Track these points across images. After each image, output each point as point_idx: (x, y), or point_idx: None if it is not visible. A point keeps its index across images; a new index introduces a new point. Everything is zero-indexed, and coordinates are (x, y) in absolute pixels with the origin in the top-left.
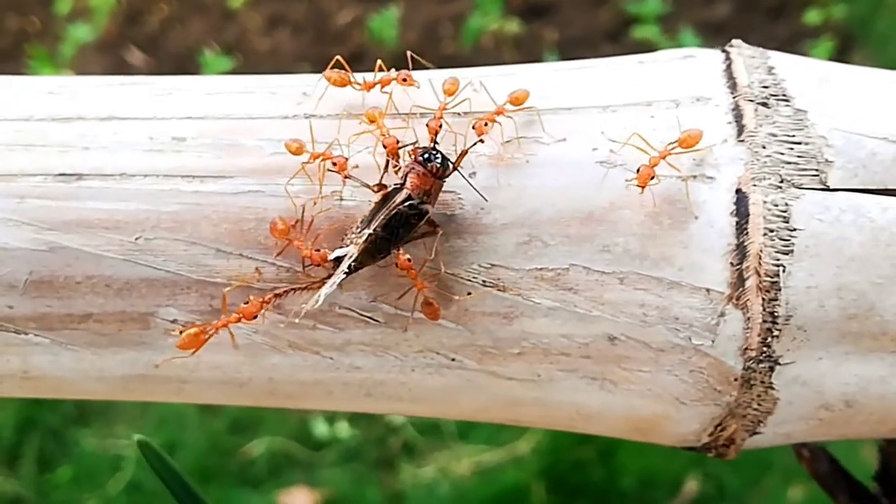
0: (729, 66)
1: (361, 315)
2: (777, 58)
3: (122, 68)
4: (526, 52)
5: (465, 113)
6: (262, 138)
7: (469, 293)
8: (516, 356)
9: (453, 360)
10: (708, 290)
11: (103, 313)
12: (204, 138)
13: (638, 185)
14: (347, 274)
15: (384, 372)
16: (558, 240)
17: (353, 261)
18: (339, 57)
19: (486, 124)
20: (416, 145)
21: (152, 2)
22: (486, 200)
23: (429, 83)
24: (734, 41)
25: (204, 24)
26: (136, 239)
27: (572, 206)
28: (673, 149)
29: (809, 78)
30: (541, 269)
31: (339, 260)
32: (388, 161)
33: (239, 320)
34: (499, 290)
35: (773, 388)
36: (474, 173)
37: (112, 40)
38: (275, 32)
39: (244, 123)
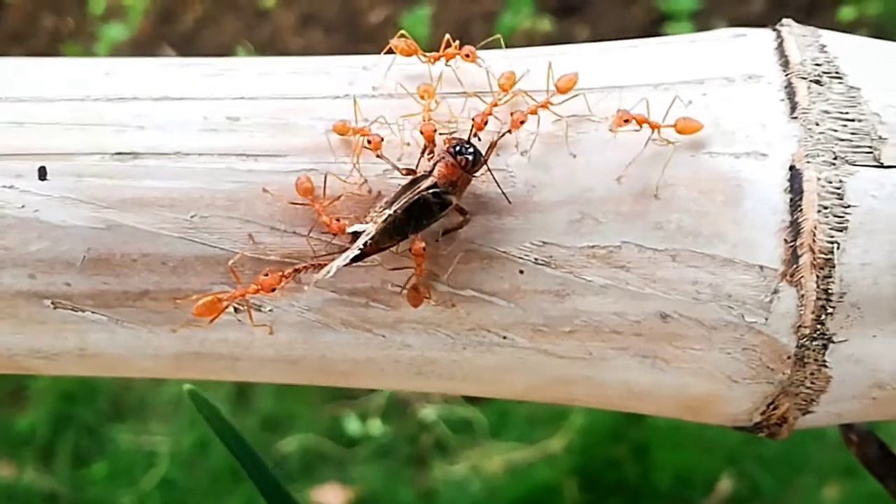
0: (781, 44)
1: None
2: (828, 36)
3: None
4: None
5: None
6: (314, 117)
7: (521, 271)
8: (568, 334)
9: (505, 338)
10: (762, 268)
11: (159, 290)
12: (257, 118)
13: (613, 127)
14: (363, 252)
15: (435, 350)
16: (610, 217)
17: (370, 238)
18: (403, 31)
19: (522, 122)
20: (453, 135)
21: (186, 1)
22: (510, 203)
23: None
24: (784, 20)
25: (237, 23)
26: (192, 217)
27: (624, 183)
28: (666, 127)
29: (862, 55)
30: (593, 246)
31: (357, 235)
32: (424, 146)
33: (257, 292)
34: (551, 267)
35: (826, 366)
36: (526, 151)
37: (146, 39)
38: (307, 31)
39: (297, 103)
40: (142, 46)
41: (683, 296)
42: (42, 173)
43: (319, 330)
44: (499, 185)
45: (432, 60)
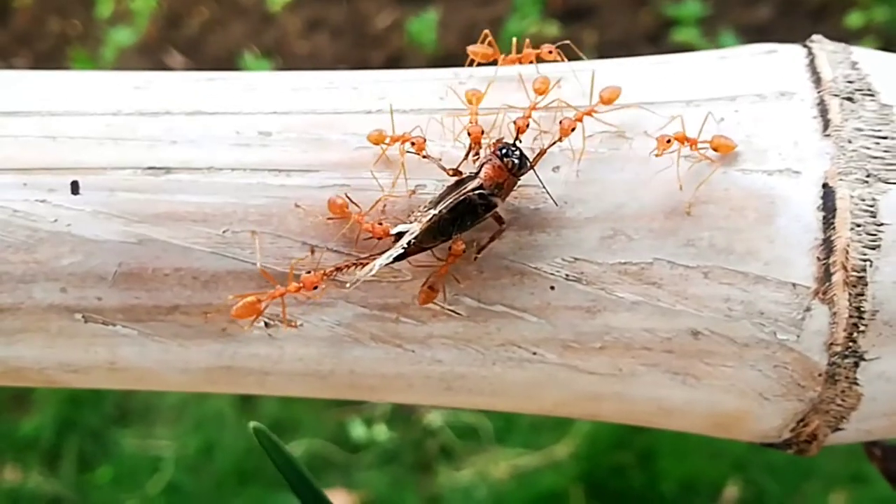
0: (812, 61)
1: (444, 308)
2: (859, 53)
3: (163, 70)
4: (565, 55)
5: (554, 108)
6: (346, 133)
7: (552, 287)
8: (598, 350)
9: (535, 353)
10: (794, 285)
11: (190, 305)
12: (289, 133)
13: (657, 152)
14: (406, 251)
15: (465, 365)
16: (642, 234)
17: (414, 238)
18: (487, 31)
19: (572, 129)
20: (500, 138)
21: (192, 5)
22: (557, 205)
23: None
24: (815, 36)
25: (244, 27)
26: (224, 232)
27: (657, 201)
28: (703, 143)
29: (894, 73)
30: (624, 263)
31: (400, 236)
32: (469, 148)
33: (299, 290)
34: (582, 284)
35: (857, 384)
36: (558, 167)
37: (153, 43)
38: (314, 35)
39: (328, 118)
40: (148, 50)
41: (715, 313)
42: (75, 188)
43: (349, 345)
44: (546, 190)
45: (511, 63)
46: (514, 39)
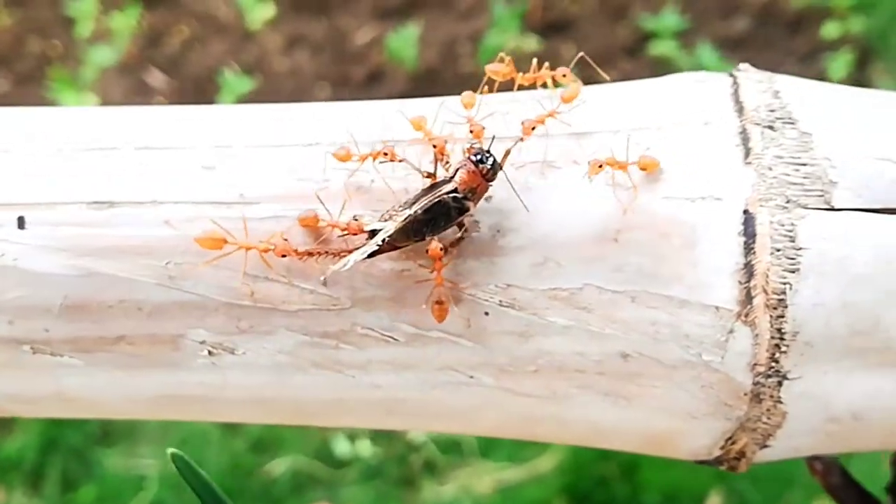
0: (736, 91)
1: (382, 335)
2: (783, 81)
3: (144, 90)
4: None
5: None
6: (286, 166)
7: (486, 313)
8: (532, 373)
9: (471, 377)
10: (717, 308)
11: (135, 335)
12: (231, 166)
13: (589, 174)
14: (380, 249)
15: (404, 390)
16: (572, 260)
17: (388, 235)
18: (502, 54)
19: (533, 128)
20: (474, 144)
21: (172, 23)
22: (528, 210)
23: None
24: (741, 65)
25: (224, 45)
26: (167, 264)
27: (585, 228)
28: (631, 164)
29: (814, 100)
30: (555, 289)
31: (374, 233)
32: (436, 159)
33: (267, 251)
34: (515, 309)
35: (781, 403)
36: (490, 197)
37: (133, 62)
38: (294, 53)
39: (269, 151)
40: (129, 70)
41: (643, 336)
42: (21, 223)
43: (291, 372)
44: (516, 192)
45: (530, 82)
46: (535, 60)
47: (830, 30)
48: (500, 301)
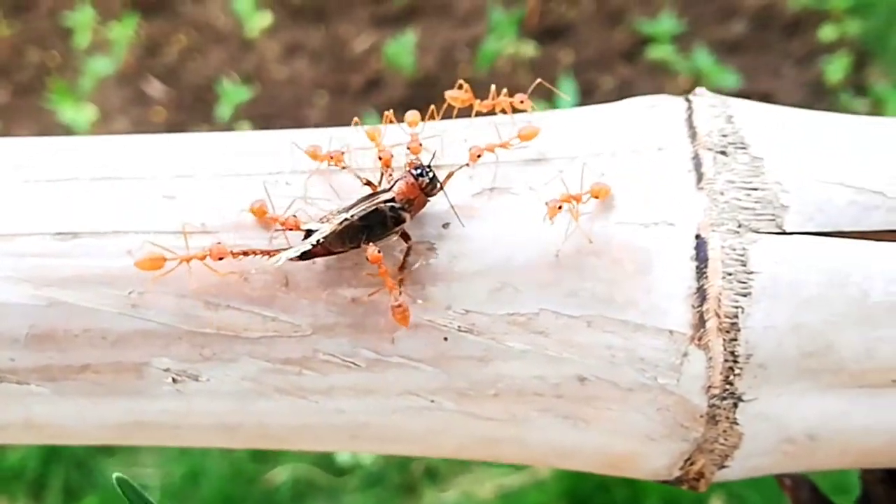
0: (690, 116)
1: (343, 360)
2: (737, 106)
3: (142, 100)
4: (541, 74)
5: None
6: (243, 195)
7: (445, 338)
8: (492, 397)
9: (432, 401)
10: (671, 332)
11: (100, 364)
12: (192, 196)
13: (549, 217)
14: (313, 250)
15: (367, 414)
16: (529, 286)
17: (323, 237)
18: (461, 81)
19: (479, 155)
20: (416, 159)
21: (170, 33)
22: (463, 226)
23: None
24: (698, 89)
25: (222, 54)
26: (130, 293)
27: (541, 254)
28: (585, 195)
29: (767, 125)
30: (512, 314)
31: (311, 233)
32: (382, 172)
33: (204, 257)
34: (473, 334)
35: (737, 424)
36: (447, 224)
37: (131, 72)
38: (292, 61)
39: (230, 181)
40: (127, 79)
41: (599, 360)
42: None
43: (255, 398)
44: (454, 210)
45: (488, 109)
46: (493, 87)
47: (827, 32)
48: (459, 326)
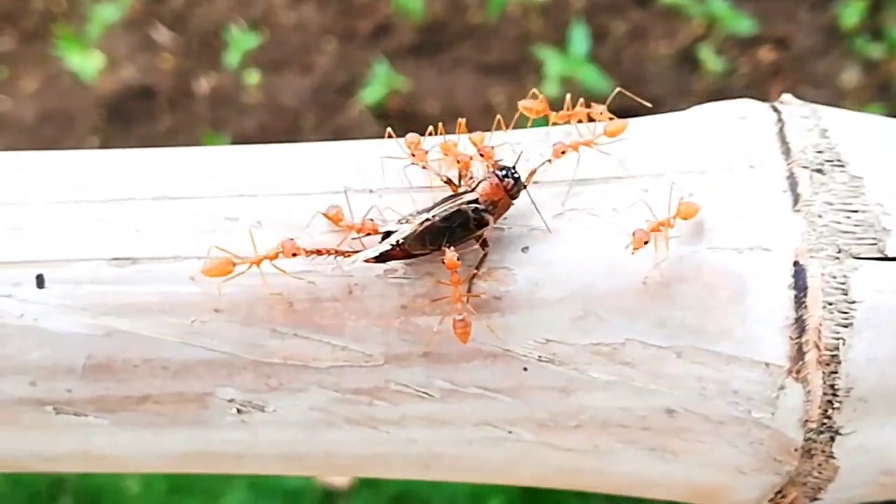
0: (782, 129)
1: (417, 391)
2: (829, 117)
3: (150, 46)
4: (553, 19)
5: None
6: (311, 214)
7: (525, 368)
8: (574, 428)
9: (510, 432)
10: (767, 365)
11: (161, 394)
12: (256, 217)
13: (633, 249)
14: (391, 252)
15: (441, 445)
16: (614, 314)
17: (404, 238)
18: (535, 90)
19: (563, 152)
20: (500, 160)
21: None
22: (549, 231)
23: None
24: (784, 96)
25: (229, 0)
26: (192, 322)
27: (627, 280)
28: (673, 219)
29: (863, 140)
30: (597, 343)
31: (389, 236)
32: (460, 174)
33: (276, 256)
34: (555, 364)
35: (833, 458)
36: (527, 248)
37: (138, 18)
38: (301, 6)
39: (296, 200)
40: (134, 26)
41: (689, 392)
42: (40, 281)
43: (324, 428)
44: (538, 211)
45: (563, 120)
46: (568, 96)
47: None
48: (540, 356)
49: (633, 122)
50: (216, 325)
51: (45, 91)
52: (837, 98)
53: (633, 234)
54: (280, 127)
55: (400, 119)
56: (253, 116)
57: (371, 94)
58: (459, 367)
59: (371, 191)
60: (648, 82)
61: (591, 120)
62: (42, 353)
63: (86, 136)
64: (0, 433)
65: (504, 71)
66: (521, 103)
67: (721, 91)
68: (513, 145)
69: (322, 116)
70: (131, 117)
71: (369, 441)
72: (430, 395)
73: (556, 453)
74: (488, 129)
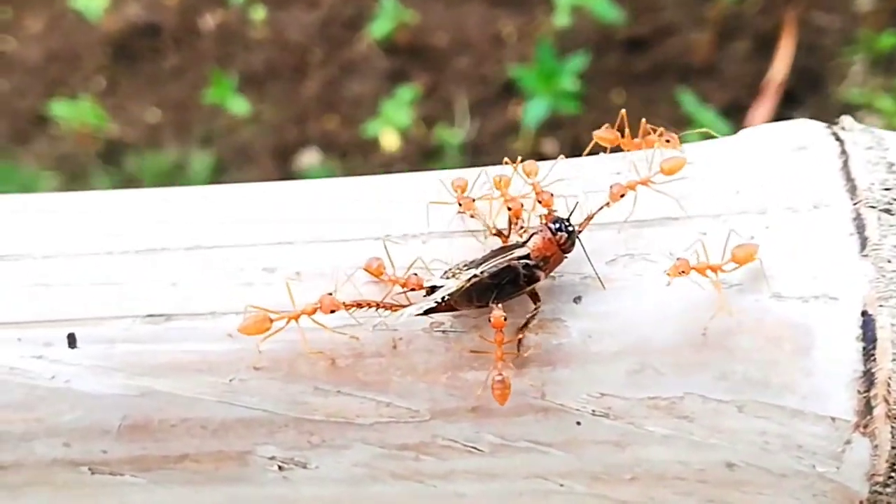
0: (846, 163)
1: (465, 445)
2: (894, 151)
3: None
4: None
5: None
6: (353, 265)
7: (578, 422)
8: (629, 481)
9: (562, 485)
10: (833, 419)
11: (199, 453)
12: (294, 267)
13: (669, 275)
14: (437, 307)
15: (490, 498)
16: (671, 368)
17: (449, 294)
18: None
19: (622, 195)
20: (553, 211)
21: None
22: (604, 288)
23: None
24: (845, 121)
25: None
26: (231, 380)
27: (685, 332)
28: (725, 263)
29: None
30: (654, 397)
31: (434, 290)
32: (510, 222)
33: (314, 311)
34: (610, 419)
35: None
36: (579, 298)
37: None
38: None
39: (336, 247)
40: None
41: (751, 446)
42: (71, 341)
43: (368, 483)
44: (591, 263)
45: (635, 148)
46: (644, 121)
47: None
48: (594, 410)
49: (690, 150)
50: (256, 383)
51: (49, 31)
52: (852, 24)
53: (677, 259)
54: (287, 62)
55: (408, 53)
56: (259, 52)
57: (379, 27)
58: (510, 421)
59: (413, 236)
60: (661, 10)
61: (668, 142)
62: (75, 415)
63: (92, 75)
64: (35, 494)
65: (513, 1)
66: (596, 133)
67: (735, 17)
68: (569, 182)
69: (329, 51)
70: (137, 55)
71: (416, 495)
72: (478, 450)
73: None
74: (500, 61)
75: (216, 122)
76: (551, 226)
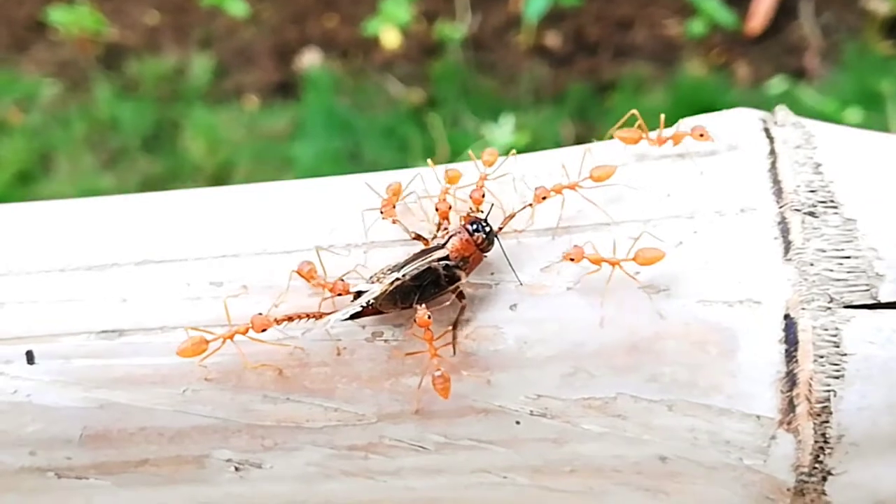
0: (774, 164)
1: (411, 445)
2: (824, 145)
3: None
4: None
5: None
6: (296, 278)
7: (518, 422)
8: (568, 473)
9: (505, 477)
10: (758, 417)
11: (158, 458)
12: (240, 281)
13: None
14: (363, 311)
15: (438, 490)
16: (604, 370)
17: (374, 298)
18: (634, 111)
19: (544, 197)
20: (471, 212)
21: None
22: (521, 284)
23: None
24: (779, 115)
25: None
26: (184, 391)
27: (616, 337)
28: (624, 260)
29: (859, 172)
30: (588, 398)
31: (360, 295)
32: (439, 223)
33: (247, 331)
34: (547, 418)
35: (825, 495)
36: (515, 305)
37: None
38: None
39: (280, 259)
40: None
41: (681, 441)
42: (30, 357)
43: (322, 480)
44: (508, 261)
45: (660, 143)
46: (662, 116)
47: None
48: (532, 411)
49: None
50: (208, 394)
51: None
52: None
53: (573, 246)
54: None
55: None
56: None
57: None
58: (452, 422)
59: (354, 246)
60: None
61: (701, 136)
62: (38, 426)
63: None
64: (3, 499)
65: None
66: (617, 133)
67: None
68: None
69: None
70: None
71: (368, 490)
72: (424, 448)
73: (552, 494)
74: None
75: (215, 23)
76: (469, 227)
